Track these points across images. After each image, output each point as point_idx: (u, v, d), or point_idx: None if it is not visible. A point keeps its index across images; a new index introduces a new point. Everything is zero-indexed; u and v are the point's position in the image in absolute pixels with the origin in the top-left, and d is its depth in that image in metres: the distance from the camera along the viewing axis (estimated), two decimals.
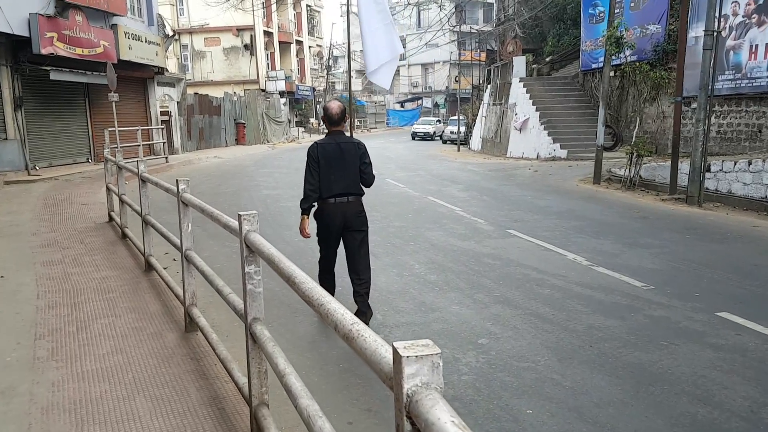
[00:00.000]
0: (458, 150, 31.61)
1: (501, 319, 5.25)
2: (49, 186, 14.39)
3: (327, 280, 5.32)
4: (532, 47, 30.66)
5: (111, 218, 9.30)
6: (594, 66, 23.55)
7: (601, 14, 23.10)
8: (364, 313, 5.03)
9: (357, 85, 77.30)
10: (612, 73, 22.58)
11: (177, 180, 4.51)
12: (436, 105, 71.93)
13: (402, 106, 71.27)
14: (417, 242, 8.40)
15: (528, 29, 30.96)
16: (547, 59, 29.61)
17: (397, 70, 74.03)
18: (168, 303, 5.37)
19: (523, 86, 24.66)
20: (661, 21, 20.22)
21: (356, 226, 5.14)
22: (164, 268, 6.27)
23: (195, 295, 4.64)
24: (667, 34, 19.83)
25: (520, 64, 26.03)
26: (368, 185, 5.20)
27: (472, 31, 39.71)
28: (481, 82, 38.13)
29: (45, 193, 13.17)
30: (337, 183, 4.97)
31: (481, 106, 31.54)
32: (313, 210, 5.10)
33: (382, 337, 1.52)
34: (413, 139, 43.09)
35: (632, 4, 21.20)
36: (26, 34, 14.89)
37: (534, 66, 28.80)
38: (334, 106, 5.10)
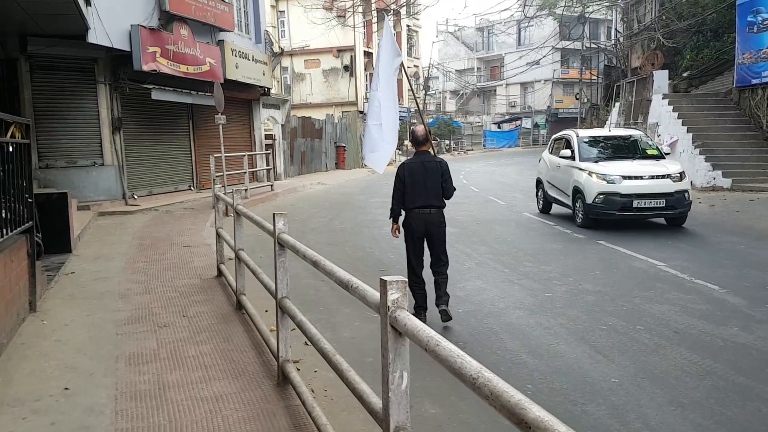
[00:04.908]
0: None
1: None
2: (147, 219, 12.73)
3: (415, 283, 5.95)
4: (652, 62, 27.34)
5: (220, 272, 7.21)
6: (755, 81, 19.97)
7: (766, 22, 19.58)
8: (441, 297, 5.82)
9: (452, 105, 75.10)
10: None
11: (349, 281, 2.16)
12: (536, 125, 68.41)
13: (499, 127, 68.18)
14: (648, 326, 5.74)
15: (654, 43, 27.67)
16: (685, 75, 26.20)
17: (494, 90, 71.61)
18: None
19: (669, 104, 21.38)
20: None
21: (437, 235, 5.93)
22: (295, 367, 3.97)
23: None
24: None
25: (661, 78, 22.80)
26: (448, 197, 5.98)
27: (594, 46, 36.38)
28: (590, 99, 34.70)
29: (142, 228, 11.44)
30: (420, 196, 5.81)
31: (607, 125, 28.28)
32: (401, 219, 6.00)
33: None
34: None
35: None
36: (127, 49, 13.41)
37: (668, 81, 25.49)
38: (419, 129, 5.98)
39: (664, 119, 21.45)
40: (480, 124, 68.59)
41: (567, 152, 12.13)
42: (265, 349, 4.71)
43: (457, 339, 5.49)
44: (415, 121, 53.84)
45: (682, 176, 11.26)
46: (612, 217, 11.03)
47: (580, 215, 11.54)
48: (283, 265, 4.02)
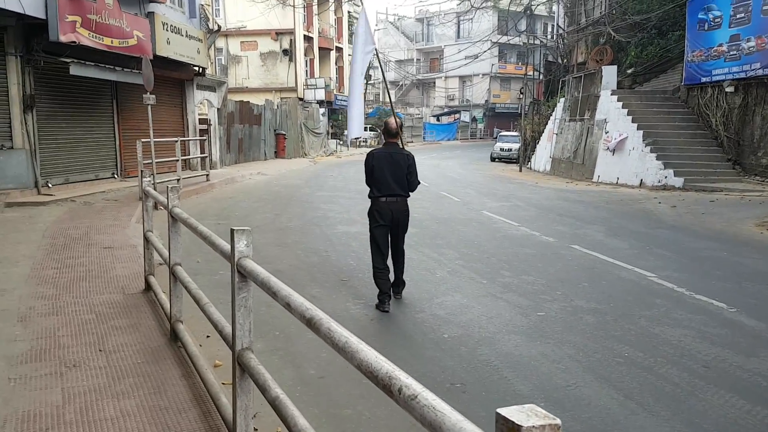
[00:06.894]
0: (520, 170, 28.13)
1: None
2: (62, 212, 11.09)
3: (380, 271, 6.03)
4: (600, 58, 27.15)
5: (149, 285, 5.89)
6: (704, 79, 19.88)
7: (717, 20, 19.48)
8: (398, 285, 6.32)
9: (391, 96, 74.06)
10: (732, 89, 19.07)
11: None
12: (474, 119, 68.40)
13: (438, 120, 67.82)
14: (669, 357, 4.87)
15: (604, 38, 27.50)
16: (629, 72, 26.14)
17: (433, 82, 71.15)
18: None
19: (618, 100, 21.08)
20: None
21: (403, 222, 6.22)
22: None
23: None
24: None
25: (610, 74, 22.48)
26: (412, 190, 6.23)
27: (540, 41, 36.02)
28: (531, 94, 34.16)
29: (55, 224, 9.84)
30: (387, 186, 6.03)
31: (551, 121, 27.95)
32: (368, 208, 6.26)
33: None
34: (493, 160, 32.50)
35: (766, 8, 17.49)
36: (42, 16, 11.65)
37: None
38: (392, 122, 6.24)
39: (613, 115, 21.14)
40: (420, 116, 68.08)
41: None
42: (211, 408, 3.51)
43: (452, 378, 4.45)
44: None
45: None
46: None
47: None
48: (245, 304, 2.85)
